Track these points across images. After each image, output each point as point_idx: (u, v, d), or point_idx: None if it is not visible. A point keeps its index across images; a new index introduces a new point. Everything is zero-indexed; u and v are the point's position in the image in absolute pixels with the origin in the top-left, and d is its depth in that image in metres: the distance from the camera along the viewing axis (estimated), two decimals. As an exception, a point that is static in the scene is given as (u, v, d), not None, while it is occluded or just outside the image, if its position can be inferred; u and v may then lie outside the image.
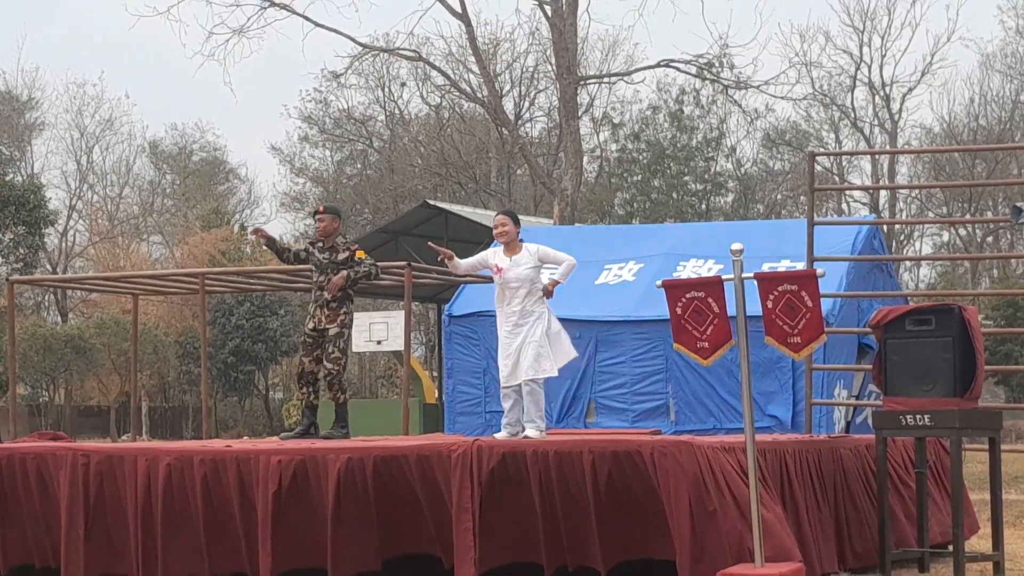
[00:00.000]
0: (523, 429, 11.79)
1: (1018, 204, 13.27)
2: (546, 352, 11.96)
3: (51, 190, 57.77)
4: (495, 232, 12.31)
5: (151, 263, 60.74)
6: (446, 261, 12.38)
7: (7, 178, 45.00)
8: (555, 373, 12.09)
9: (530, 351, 11.91)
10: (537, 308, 12.10)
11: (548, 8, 34.13)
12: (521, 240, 12.35)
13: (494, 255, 12.30)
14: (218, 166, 70.85)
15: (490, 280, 18.69)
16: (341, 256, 13.64)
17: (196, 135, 70.37)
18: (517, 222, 12.38)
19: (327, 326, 13.60)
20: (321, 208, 13.90)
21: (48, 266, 59.27)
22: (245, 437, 41.60)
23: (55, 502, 11.52)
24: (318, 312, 13.64)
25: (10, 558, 11.89)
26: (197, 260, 50.33)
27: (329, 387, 13.73)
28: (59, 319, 59.08)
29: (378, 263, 14.11)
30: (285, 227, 64.59)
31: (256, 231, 13.94)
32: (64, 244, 63.64)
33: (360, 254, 13.73)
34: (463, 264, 12.56)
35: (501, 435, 11.74)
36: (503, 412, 12.11)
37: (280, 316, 49.10)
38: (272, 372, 54.28)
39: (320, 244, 13.77)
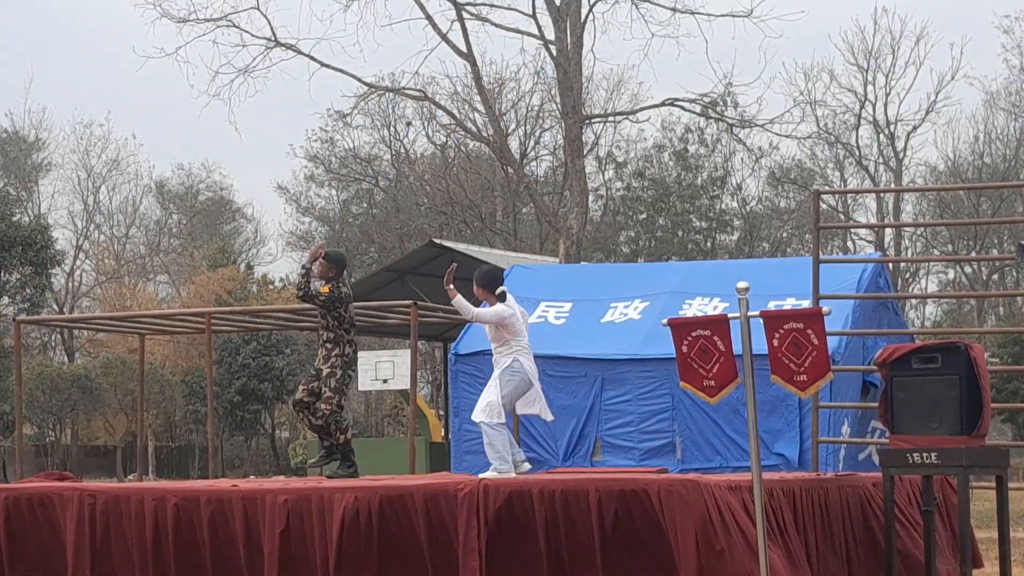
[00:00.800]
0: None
1: (1023, 242, 13.28)
2: (485, 397, 12.27)
3: (58, 230, 58.04)
4: None
5: (157, 303, 60.83)
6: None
7: (14, 219, 45.12)
8: (488, 419, 12.21)
9: (482, 394, 12.31)
10: (501, 359, 12.44)
11: (553, 48, 34.24)
12: (500, 297, 12.64)
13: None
14: (224, 205, 71.02)
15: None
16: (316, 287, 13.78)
17: (203, 175, 70.66)
18: (484, 286, 12.76)
19: (322, 367, 13.61)
20: (321, 254, 14.00)
21: (55, 306, 59.35)
22: (252, 476, 41.56)
23: (61, 542, 11.51)
24: (319, 351, 13.77)
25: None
26: (203, 299, 50.41)
27: (325, 428, 13.65)
28: (66, 359, 59.14)
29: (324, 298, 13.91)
30: (291, 266, 64.69)
31: (319, 248, 14.05)
32: (71, 284, 63.76)
33: (324, 289, 13.75)
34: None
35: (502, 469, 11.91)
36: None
37: (286, 355, 49.13)
38: (278, 411, 54.28)
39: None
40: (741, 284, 10.01)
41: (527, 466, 12.47)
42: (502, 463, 11.95)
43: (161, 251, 68.49)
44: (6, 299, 44.83)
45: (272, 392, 49.15)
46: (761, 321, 10.05)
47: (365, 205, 62.43)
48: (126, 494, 11.50)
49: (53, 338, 61.28)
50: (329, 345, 13.58)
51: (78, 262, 65.01)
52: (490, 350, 19.35)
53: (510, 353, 12.41)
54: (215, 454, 21.10)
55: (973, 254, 55.48)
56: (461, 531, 10.39)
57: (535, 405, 12.58)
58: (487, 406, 12.22)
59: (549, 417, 12.85)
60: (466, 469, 18.79)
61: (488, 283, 12.76)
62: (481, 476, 11.64)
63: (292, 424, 53.05)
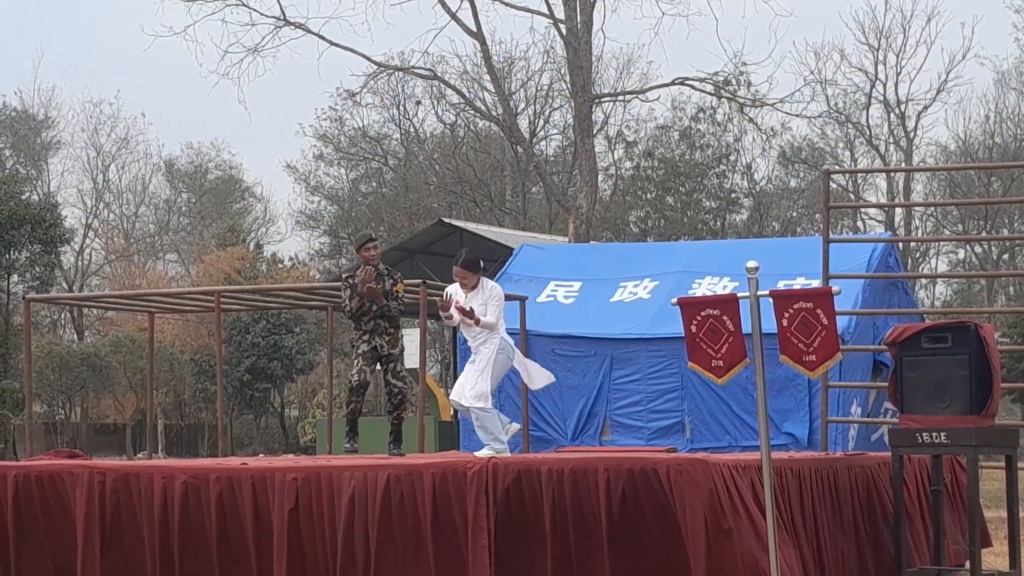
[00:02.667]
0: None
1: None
2: (473, 381, 12.33)
3: (67, 209, 58.10)
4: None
5: (167, 281, 60.86)
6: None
7: (23, 197, 45.13)
8: (483, 404, 12.29)
9: (470, 377, 12.34)
10: (491, 339, 12.41)
11: (563, 27, 34.17)
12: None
13: (456, 290, 12.66)
14: (234, 184, 71.00)
15: (510, 298, 18.80)
16: (387, 285, 14.05)
17: (212, 154, 70.64)
18: (471, 270, 12.61)
19: (391, 351, 14.15)
20: (373, 236, 14.39)
21: (64, 284, 59.43)
22: (261, 455, 41.62)
23: (71, 520, 11.53)
24: (377, 340, 14.08)
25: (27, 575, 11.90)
26: (213, 278, 50.44)
27: (399, 405, 14.23)
28: (75, 337, 59.24)
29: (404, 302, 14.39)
30: (300, 245, 64.78)
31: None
32: (80, 262, 63.82)
33: (399, 287, 14.15)
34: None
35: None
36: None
37: (296, 334, 49.17)
38: (288, 390, 54.34)
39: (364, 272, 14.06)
40: (751, 263, 9.99)
41: (516, 425, 12.84)
42: (497, 443, 12.04)
43: (170, 230, 68.51)
44: (15, 277, 44.84)
45: (281, 371, 49.20)
46: (771, 301, 10.03)
47: (374, 184, 62.40)
48: (136, 472, 11.52)
49: (63, 316, 61.37)
50: (393, 330, 14.22)
51: (87, 241, 65.07)
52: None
53: (497, 334, 12.42)
54: (224, 432, 21.14)
55: (984, 234, 55.38)
56: (470, 509, 10.40)
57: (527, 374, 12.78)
58: (481, 395, 12.26)
59: (535, 386, 13.12)
60: (475, 448, 18.77)
61: (476, 267, 12.72)
62: (478, 454, 11.71)
63: (301, 403, 53.10)
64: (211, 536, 11.16)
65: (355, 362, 14.25)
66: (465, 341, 12.90)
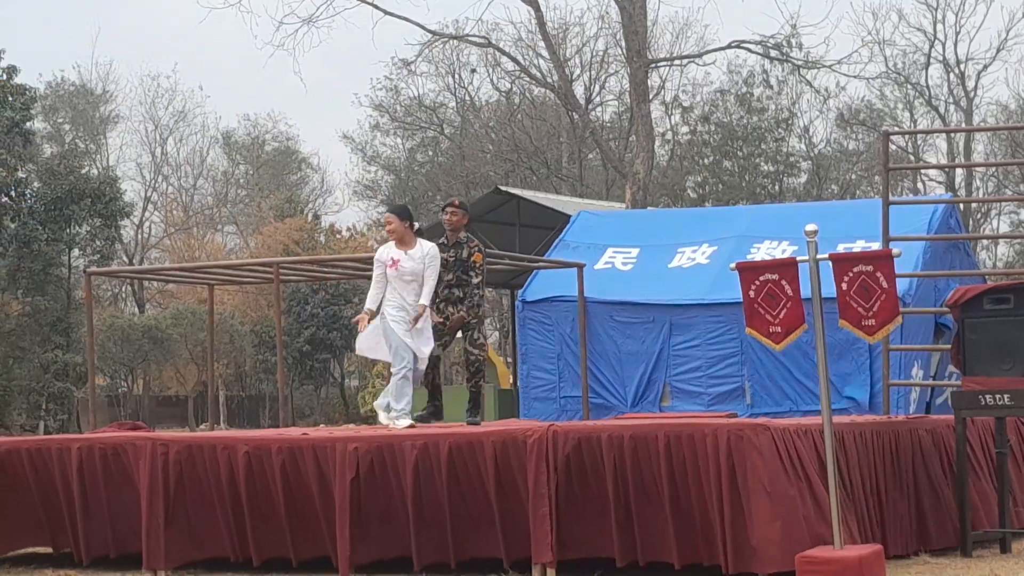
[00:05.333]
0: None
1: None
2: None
3: (126, 182, 58.36)
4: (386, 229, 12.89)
5: (226, 253, 61.20)
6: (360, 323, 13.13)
7: (83, 171, 45.42)
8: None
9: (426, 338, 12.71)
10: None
11: (617, -9, 34.00)
12: (419, 233, 12.83)
13: (388, 249, 12.81)
14: (290, 156, 71.24)
15: (568, 265, 18.73)
16: (465, 254, 13.62)
17: (268, 125, 70.88)
18: (404, 217, 12.78)
19: (471, 319, 13.69)
20: (456, 203, 13.98)
21: (124, 258, 59.84)
22: (322, 425, 41.84)
23: (135, 491, 11.63)
24: (448, 309, 13.64)
25: (92, 548, 12.01)
26: (271, 250, 50.64)
27: (476, 373, 13.90)
28: (136, 310, 59.66)
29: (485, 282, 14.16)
30: (358, 215, 64.93)
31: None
32: (140, 236, 64.25)
33: (477, 257, 13.70)
34: (375, 299, 13.00)
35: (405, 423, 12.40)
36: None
37: (354, 304, 49.25)
38: (347, 360, 54.52)
39: (443, 242, 13.66)
40: (810, 227, 9.92)
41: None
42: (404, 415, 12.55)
43: (228, 202, 68.82)
44: (76, 251, 45.17)
45: (341, 341, 49.34)
46: (830, 264, 9.97)
47: (431, 153, 62.41)
48: (198, 443, 11.61)
49: (123, 290, 61.80)
50: (474, 297, 13.73)
51: (147, 214, 65.48)
52: (560, 297, 19.45)
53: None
54: (285, 403, 21.26)
55: (1045, 193, 54.87)
56: (531, 477, 10.41)
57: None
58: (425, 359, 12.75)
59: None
60: (535, 415, 18.84)
61: (406, 215, 12.91)
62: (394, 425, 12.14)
63: (361, 373, 53.31)
64: (279, 503, 11.26)
65: None
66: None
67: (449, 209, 13.80)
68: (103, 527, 11.94)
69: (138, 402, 54.73)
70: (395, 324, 12.66)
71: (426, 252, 12.77)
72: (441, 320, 13.52)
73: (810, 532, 9.82)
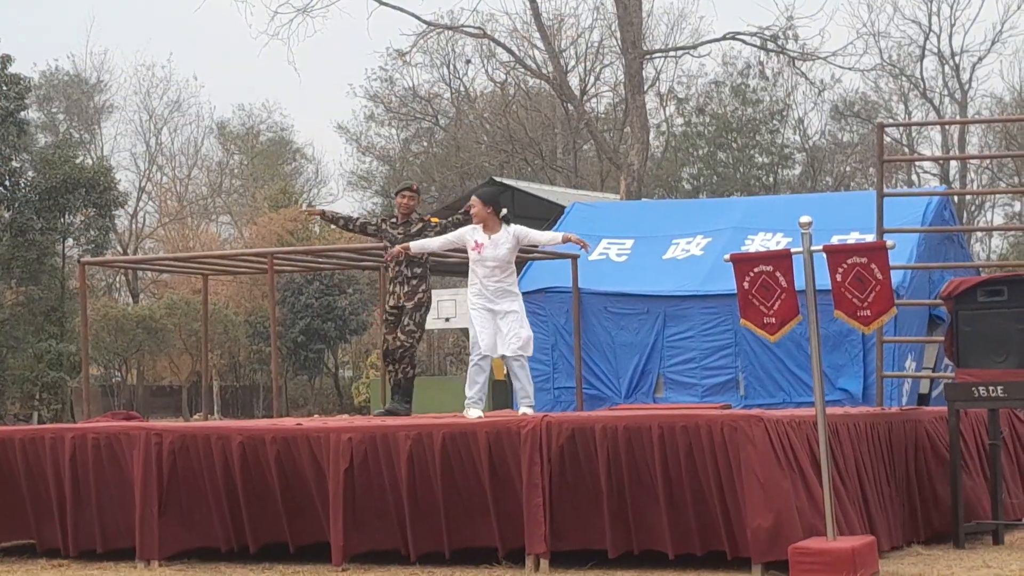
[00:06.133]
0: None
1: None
2: (529, 331, 12.41)
3: (121, 172, 58.33)
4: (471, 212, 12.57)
5: (220, 243, 61.13)
6: (401, 251, 12.81)
7: (78, 161, 45.34)
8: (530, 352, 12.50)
9: (516, 326, 12.28)
10: (513, 288, 12.42)
11: (612, -18, 33.99)
12: (505, 220, 12.48)
13: (473, 232, 12.46)
14: (285, 146, 71.18)
15: (562, 256, 18.71)
16: (414, 229, 13.84)
17: (263, 115, 70.80)
18: (488, 203, 12.44)
19: (405, 303, 13.84)
20: (415, 187, 14.26)
21: (119, 248, 59.76)
22: (316, 416, 41.85)
23: (129, 481, 11.63)
24: (397, 288, 13.94)
25: (80, 542, 11.98)
26: (266, 240, 50.61)
27: (400, 360, 13.95)
28: (130, 300, 59.61)
29: (448, 224, 14.04)
30: (353, 206, 64.86)
31: (309, 211, 14.38)
32: (134, 225, 64.15)
33: (433, 219, 13.93)
34: (435, 243, 12.76)
35: (475, 413, 12.13)
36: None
37: (349, 295, 49.29)
38: (342, 351, 54.52)
39: (394, 220, 14.10)
40: (804, 219, 9.93)
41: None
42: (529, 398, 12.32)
43: (223, 192, 68.75)
44: (71, 241, 45.11)
45: (335, 332, 49.33)
46: (824, 256, 9.97)
47: (425, 144, 62.36)
48: (192, 433, 11.61)
49: (118, 279, 61.73)
50: (415, 281, 13.89)
51: (141, 204, 65.38)
52: (554, 287, 19.42)
53: (517, 283, 12.54)
54: (279, 394, 21.25)
55: (1040, 186, 54.89)
56: (524, 468, 10.43)
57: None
58: (529, 339, 12.37)
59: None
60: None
61: (493, 200, 12.56)
62: (523, 411, 11.81)
63: (355, 363, 53.32)
64: (274, 490, 11.28)
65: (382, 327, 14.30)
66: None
67: (407, 194, 14.13)
68: (91, 521, 11.91)
69: (132, 392, 54.72)
70: (473, 312, 12.38)
71: (512, 234, 12.34)
72: (393, 306, 13.79)
73: (803, 523, 9.83)
